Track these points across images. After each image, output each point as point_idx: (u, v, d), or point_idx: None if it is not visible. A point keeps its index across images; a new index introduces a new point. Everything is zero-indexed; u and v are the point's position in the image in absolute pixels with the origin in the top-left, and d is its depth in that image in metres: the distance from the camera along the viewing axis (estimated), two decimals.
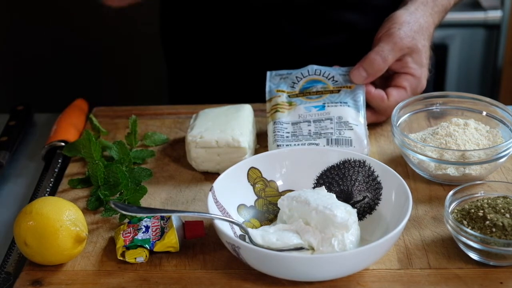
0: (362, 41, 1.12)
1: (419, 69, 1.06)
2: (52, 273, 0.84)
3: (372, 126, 1.09)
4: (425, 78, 1.07)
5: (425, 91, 1.09)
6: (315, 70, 1.09)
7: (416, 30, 1.05)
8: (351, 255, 0.78)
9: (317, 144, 0.99)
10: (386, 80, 1.09)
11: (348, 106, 1.03)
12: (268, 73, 1.10)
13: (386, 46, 1.04)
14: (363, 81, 1.05)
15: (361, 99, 1.04)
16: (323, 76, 1.08)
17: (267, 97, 1.07)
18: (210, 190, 0.87)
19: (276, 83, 1.09)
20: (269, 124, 1.04)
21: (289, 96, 1.06)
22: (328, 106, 1.03)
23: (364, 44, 1.10)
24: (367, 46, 1.08)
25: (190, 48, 1.31)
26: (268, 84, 1.09)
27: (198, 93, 1.34)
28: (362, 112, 1.03)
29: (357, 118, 1.01)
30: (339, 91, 1.05)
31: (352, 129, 1.00)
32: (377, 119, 1.09)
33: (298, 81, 1.08)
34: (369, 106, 1.07)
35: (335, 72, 1.08)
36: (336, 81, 1.07)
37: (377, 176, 0.90)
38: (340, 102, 1.03)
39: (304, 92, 1.06)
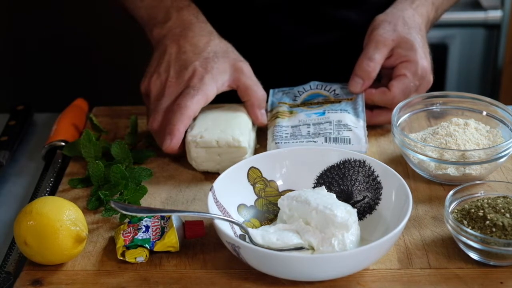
0: (359, 38, 1.12)
1: (413, 53, 1.05)
2: (52, 273, 0.84)
3: (372, 126, 1.10)
4: (424, 59, 1.06)
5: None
6: (317, 85, 1.11)
7: (396, 23, 1.06)
8: (351, 255, 0.78)
9: (315, 142, 0.99)
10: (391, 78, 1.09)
11: (348, 113, 1.04)
12: (271, 90, 1.12)
13: (370, 46, 1.06)
14: (361, 88, 1.06)
15: (361, 106, 1.05)
16: (324, 90, 1.10)
17: (269, 108, 1.09)
18: (210, 190, 0.87)
19: (279, 98, 1.11)
20: (269, 130, 1.04)
21: (290, 107, 1.08)
22: (328, 112, 1.04)
23: (360, 41, 1.10)
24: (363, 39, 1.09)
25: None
26: (270, 99, 1.11)
27: None
28: (362, 117, 1.03)
29: (357, 122, 1.02)
30: (340, 102, 1.07)
31: (351, 130, 1.00)
32: (384, 117, 1.08)
33: (300, 95, 1.10)
34: (376, 107, 1.07)
35: (337, 86, 1.10)
36: (338, 94, 1.09)
37: (377, 176, 0.90)
38: (341, 110, 1.04)
39: (306, 103, 1.08)
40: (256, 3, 1.21)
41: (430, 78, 1.08)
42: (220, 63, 1.02)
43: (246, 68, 1.04)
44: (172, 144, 0.97)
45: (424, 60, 1.06)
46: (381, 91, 1.06)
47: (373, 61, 1.05)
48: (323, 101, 1.07)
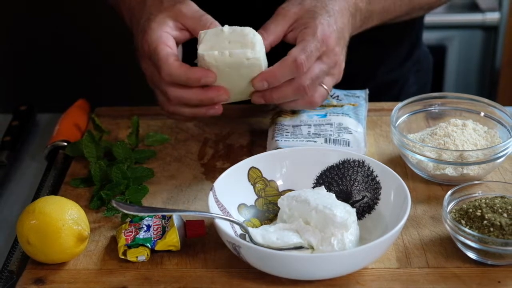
0: (358, 38, 1.12)
1: (312, 19, 0.97)
2: (54, 272, 0.84)
3: (371, 126, 1.10)
4: (326, 26, 0.97)
5: (419, 92, 1.07)
6: None
7: None
8: (350, 254, 0.79)
9: (315, 142, 0.99)
10: None
11: (350, 117, 1.04)
12: None
13: (270, 19, 0.99)
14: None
15: (363, 114, 1.06)
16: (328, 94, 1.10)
17: (272, 107, 1.09)
18: (211, 190, 0.87)
19: None
20: (270, 127, 1.05)
21: None
22: (330, 115, 1.05)
23: (359, 41, 1.10)
24: (362, 42, 1.08)
25: (190, 47, 1.31)
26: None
27: None
28: (363, 124, 1.04)
29: (356, 128, 1.03)
30: (342, 106, 1.07)
31: (351, 133, 1.01)
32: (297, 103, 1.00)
33: None
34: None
35: (340, 92, 1.10)
36: (340, 100, 1.09)
37: (376, 176, 0.91)
38: (342, 113, 1.05)
39: None
40: (258, 6, 1.20)
41: (334, 47, 0.97)
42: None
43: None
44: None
45: (325, 26, 0.97)
46: (279, 63, 0.94)
47: (267, 30, 0.98)
48: (325, 104, 1.08)
